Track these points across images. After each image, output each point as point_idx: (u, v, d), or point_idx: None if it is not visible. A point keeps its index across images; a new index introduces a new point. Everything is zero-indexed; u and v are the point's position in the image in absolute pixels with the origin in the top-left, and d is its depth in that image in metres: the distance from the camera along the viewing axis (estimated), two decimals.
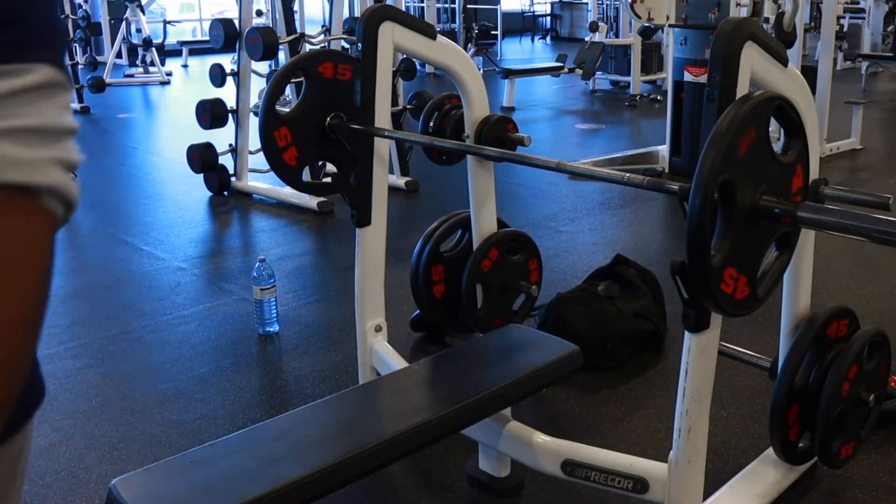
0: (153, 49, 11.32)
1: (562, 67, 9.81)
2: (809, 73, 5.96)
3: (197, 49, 13.80)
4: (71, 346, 3.07)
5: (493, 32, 14.58)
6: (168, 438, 2.44)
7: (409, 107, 5.33)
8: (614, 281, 3.04)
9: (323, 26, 6.29)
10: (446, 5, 14.42)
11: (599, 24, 11.14)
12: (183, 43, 13.66)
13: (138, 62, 11.83)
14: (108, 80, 9.49)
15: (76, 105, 8.55)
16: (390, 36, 2.28)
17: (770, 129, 1.44)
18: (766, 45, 1.64)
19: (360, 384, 2.54)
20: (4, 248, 0.53)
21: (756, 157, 1.39)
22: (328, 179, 2.48)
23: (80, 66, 9.17)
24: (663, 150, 5.90)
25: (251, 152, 5.26)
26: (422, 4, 13.12)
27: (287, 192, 5.04)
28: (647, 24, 7.61)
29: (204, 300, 3.54)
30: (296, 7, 5.82)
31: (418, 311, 3.07)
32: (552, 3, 18.75)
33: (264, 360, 3.01)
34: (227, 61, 6.89)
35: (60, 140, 0.57)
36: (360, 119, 2.32)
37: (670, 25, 5.40)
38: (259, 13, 7.62)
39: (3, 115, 0.53)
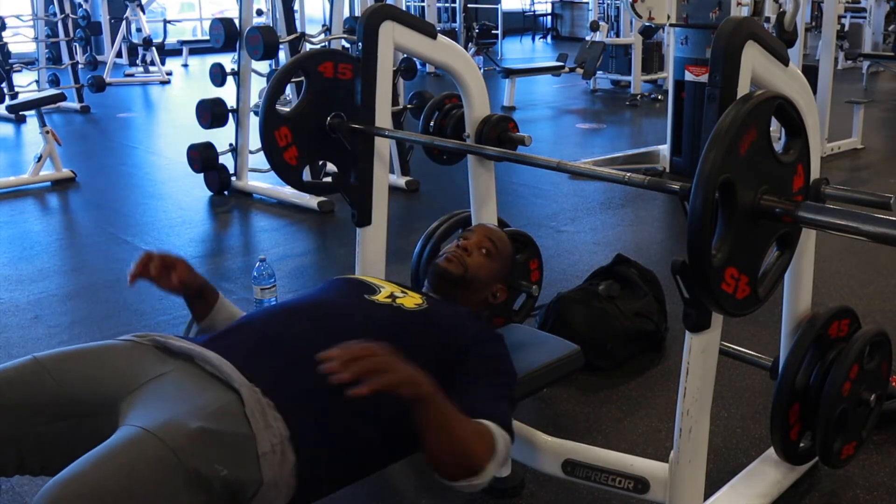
0: (153, 48, 11.32)
1: (562, 67, 9.81)
2: (810, 72, 5.96)
3: (197, 48, 13.81)
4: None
5: (493, 32, 14.59)
6: None
7: (409, 106, 5.32)
8: (615, 280, 3.03)
9: (323, 25, 6.29)
10: (447, 4, 14.41)
11: (600, 23, 11.14)
12: (183, 42, 13.67)
13: (138, 61, 11.83)
14: (108, 80, 9.49)
15: (76, 104, 8.56)
16: (391, 35, 2.28)
17: (771, 128, 1.43)
18: (767, 45, 1.63)
19: None
20: None
21: (757, 157, 1.39)
22: (328, 179, 2.48)
23: (80, 66, 9.16)
24: (664, 149, 5.90)
25: (251, 152, 5.25)
26: (422, 4, 13.12)
27: (287, 192, 5.04)
28: (647, 24, 7.62)
29: None
30: (296, 6, 5.82)
31: None
32: (553, 3, 18.76)
33: None
34: (228, 61, 6.89)
35: None
36: (361, 118, 2.31)
37: (671, 25, 5.40)
38: (259, 12, 7.62)
39: None
